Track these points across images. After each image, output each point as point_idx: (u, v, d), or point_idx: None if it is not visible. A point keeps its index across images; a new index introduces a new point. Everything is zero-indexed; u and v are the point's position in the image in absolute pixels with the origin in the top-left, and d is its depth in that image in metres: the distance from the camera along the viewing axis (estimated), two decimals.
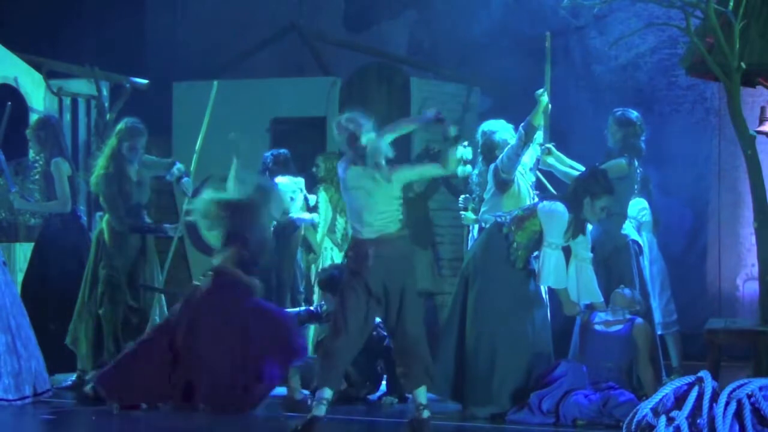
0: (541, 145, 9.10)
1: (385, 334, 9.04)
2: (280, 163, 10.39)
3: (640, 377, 8.32)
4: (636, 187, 9.40)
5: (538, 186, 9.21)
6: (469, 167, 9.70)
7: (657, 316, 9.79)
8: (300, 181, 10.94)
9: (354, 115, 7.70)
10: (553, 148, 9.14)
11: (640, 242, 9.41)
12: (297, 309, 9.61)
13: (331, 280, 9.08)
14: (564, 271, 8.25)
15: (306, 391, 8.68)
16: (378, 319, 9.10)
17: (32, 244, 10.22)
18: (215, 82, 10.37)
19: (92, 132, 12.22)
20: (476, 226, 9.35)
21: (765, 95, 8.98)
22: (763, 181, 7.77)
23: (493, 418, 8.12)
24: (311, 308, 9.43)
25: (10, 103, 9.72)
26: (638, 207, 10.03)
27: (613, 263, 8.94)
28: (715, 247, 11.62)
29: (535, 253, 8.37)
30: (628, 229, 9.21)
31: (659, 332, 9.67)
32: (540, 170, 9.18)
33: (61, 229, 9.71)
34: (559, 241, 8.23)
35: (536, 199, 8.77)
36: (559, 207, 8.26)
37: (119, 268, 9.31)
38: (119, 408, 8.24)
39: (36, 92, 11.72)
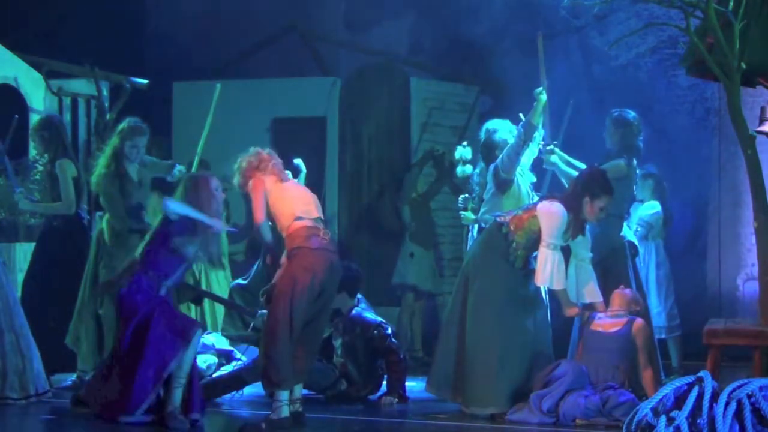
0: (544, 144, 9.11)
1: (387, 333, 9.06)
2: None
3: (639, 377, 8.32)
4: (635, 187, 9.41)
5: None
6: (469, 167, 9.71)
7: (661, 320, 9.79)
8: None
9: None
10: (557, 148, 9.16)
11: (636, 243, 9.43)
12: None
13: (351, 280, 9.00)
14: (563, 272, 8.24)
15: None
16: (380, 319, 9.13)
17: (32, 244, 10.21)
18: (218, 84, 10.38)
19: (92, 132, 12.21)
20: (476, 226, 9.36)
21: (765, 95, 8.97)
22: (763, 181, 7.76)
23: (493, 418, 8.12)
24: None
25: (17, 116, 9.71)
26: (651, 210, 10.03)
27: (610, 264, 8.95)
28: (715, 247, 11.61)
29: (535, 254, 8.37)
30: (624, 230, 9.22)
31: (663, 336, 9.66)
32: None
33: (63, 229, 9.70)
34: (558, 241, 8.23)
35: (536, 199, 8.78)
36: (558, 207, 8.26)
37: (119, 268, 9.31)
38: None
39: (36, 92, 11.72)
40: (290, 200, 7.95)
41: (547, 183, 9.39)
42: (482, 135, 9.33)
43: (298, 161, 11.32)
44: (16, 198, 9.76)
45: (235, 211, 11.21)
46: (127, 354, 7.86)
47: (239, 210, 11.04)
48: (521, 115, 8.81)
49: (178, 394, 7.80)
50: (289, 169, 11.24)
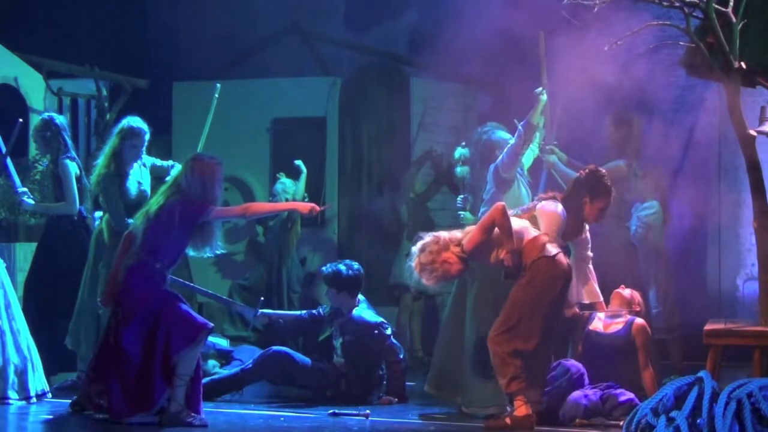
0: (544, 144, 9.11)
1: (387, 333, 9.06)
2: None
3: (639, 377, 8.31)
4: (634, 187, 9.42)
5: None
6: (467, 167, 9.72)
7: (661, 321, 9.77)
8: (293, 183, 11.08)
9: None
10: (556, 148, 9.15)
11: (635, 244, 9.42)
12: (299, 312, 9.61)
13: (336, 276, 9.07)
14: None
15: None
16: (380, 319, 9.12)
17: (32, 244, 10.21)
18: (218, 84, 10.38)
19: (92, 132, 12.23)
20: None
21: (765, 95, 8.97)
22: (763, 181, 7.76)
23: (493, 417, 8.12)
24: (313, 312, 9.43)
25: (21, 120, 9.72)
26: (650, 210, 10.02)
27: (610, 264, 8.94)
28: (715, 247, 11.59)
29: None
30: (624, 230, 9.22)
31: (662, 336, 9.64)
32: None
33: (67, 229, 9.70)
34: (557, 241, 8.21)
35: (535, 199, 8.78)
36: (557, 207, 8.25)
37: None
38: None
39: (36, 92, 11.74)
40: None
41: (543, 183, 9.37)
42: (477, 137, 9.37)
43: (298, 162, 11.37)
44: (19, 198, 9.75)
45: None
46: (133, 351, 7.78)
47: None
48: (516, 120, 8.83)
49: (181, 393, 7.77)
50: (289, 170, 11.31)
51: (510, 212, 8.40)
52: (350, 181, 12.26)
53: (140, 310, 7.79)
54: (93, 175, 9.45)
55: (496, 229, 7.84)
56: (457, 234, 7.93)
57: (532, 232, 7.98)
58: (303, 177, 11.35)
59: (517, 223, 7.99)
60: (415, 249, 7.89)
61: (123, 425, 7.75)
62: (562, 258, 7.92)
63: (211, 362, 9.76)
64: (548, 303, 7.82)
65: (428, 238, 7.89)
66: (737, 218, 11.39)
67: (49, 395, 8.76)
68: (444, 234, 7.93)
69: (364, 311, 9.13)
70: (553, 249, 7.90)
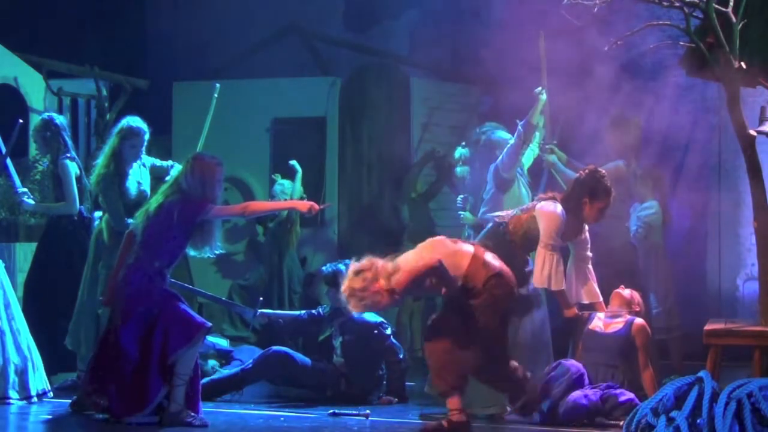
0: (544, 143, 9.11)
1: (387, 333, 9.06)
2: None
3: (639, 377, 8.32)
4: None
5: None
6: (467, 167, 9.73)
7: (661, 321, 9.79)
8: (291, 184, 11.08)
9: None
10: (556, 148, 9.15)
11: (635, 244, 9.41)
12: (298, 312, 9.61)
13: (336, 276, 9.07)
14: (561, 273, 8.23)
15: None
16: (380, 319, 9.12)
17: (32, 244, 10.21)
18: (217, 84, 10.39)
19: (92, 132, 12.23)
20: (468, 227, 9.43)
21: (765, 95, 8.97)
22: (763, 181, 7.76)
23: (493, 418, 8.12)
24: (313, 312, 9.43)
25: (21, 120, 9.71)
26: (650, 211, 10.03)
27: (609, 265, 8.94)
28: (715, 247, 11.60)
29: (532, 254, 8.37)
30: (623, 230, 9.22)
31: (662, 336, 9.65)
32: None
33: (68, 229, 9.70)
34: (556, 242, 8.21)
35: (534, 200, 8.78)
36: (557, 208, 8.25)
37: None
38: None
39: (36, 92, 11.74)
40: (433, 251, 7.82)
41: (543, 183, 9.38)
42: (476, 137, 9.38)
43: (293, 162, 11.39)
44: (19, 198, 9.74)
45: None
46: (131, 350, 7.78)
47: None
48: (517, 121, 8.83)
49: (181, 392, 7.76)
50: (285, 170, 11.31)
51: (509, 212, 8.42)
52: (350, 181, 12.27)
53: (139, 309, 7.79)
54: (93, 175, 9.45)
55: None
56: (388, 266, 7.55)
57: (465, 251, 7.69)
58: (299, 177, 11.36)
59: (449, 251, 7.72)
60: (349, 270, 7.58)
61: (123, 425, 7.75)
62: (505, 267, 7.73)
63: (211, 362, 9.76)
64: (511, 309, 7.81)
65: (365, 261, 7.56)
66: (737, 218, 11.39)
67: (50, 394, 8.76)
68: (379, 262, 7.56)
69: None
70: (495, 261, 7.68)
